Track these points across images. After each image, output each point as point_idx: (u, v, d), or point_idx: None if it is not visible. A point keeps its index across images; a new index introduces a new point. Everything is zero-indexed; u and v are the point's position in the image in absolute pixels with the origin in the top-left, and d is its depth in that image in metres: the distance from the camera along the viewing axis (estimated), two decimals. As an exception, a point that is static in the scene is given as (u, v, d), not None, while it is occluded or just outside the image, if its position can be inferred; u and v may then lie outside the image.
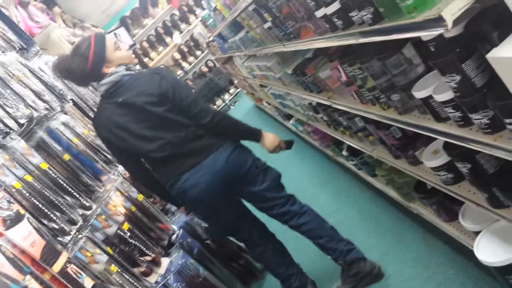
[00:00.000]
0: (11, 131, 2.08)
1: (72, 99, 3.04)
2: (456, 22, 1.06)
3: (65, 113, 2.80)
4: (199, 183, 2.10)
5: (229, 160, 2.13)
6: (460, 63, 1.18)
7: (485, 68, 1.18)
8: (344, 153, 3.12)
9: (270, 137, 2.29)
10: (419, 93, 1.47)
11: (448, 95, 1.31)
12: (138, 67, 2.30)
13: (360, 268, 2.26)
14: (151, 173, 2.33)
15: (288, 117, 4.76)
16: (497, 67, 1.06)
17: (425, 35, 1.21)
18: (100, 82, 2.10)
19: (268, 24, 2.61)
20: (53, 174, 2.16)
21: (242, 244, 3.09)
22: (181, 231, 2.87)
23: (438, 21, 1.06)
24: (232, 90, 9.51)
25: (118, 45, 2.17)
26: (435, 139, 1.80)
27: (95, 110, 3.37)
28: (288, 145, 2.37)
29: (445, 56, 1.20)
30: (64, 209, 2.05)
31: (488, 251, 1.61)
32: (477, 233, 1.72)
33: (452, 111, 1.34)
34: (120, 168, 2.90)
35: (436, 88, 1.40)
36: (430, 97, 1.42)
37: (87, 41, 2.11)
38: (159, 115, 2.07)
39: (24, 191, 1.88)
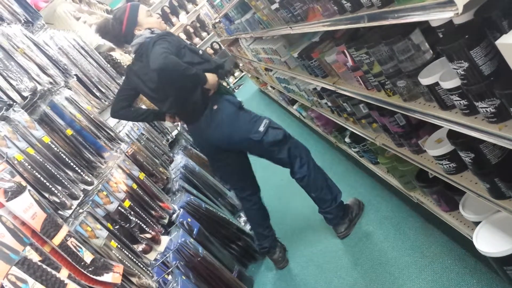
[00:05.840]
0: (14, 104, 2.08)
1: (76, 75, 3.03)
2: (466, 8, 1.04)
3: (69, 88, 2.79)
4: (195, 138, 2.66)
5: (218, 131, 2.48)
6: (468, 49, 1.16)
7: (494, 56, 1.16)
8: (347, 140, 3.12)
9: (211, 78, 2.44)
10: (425, 80, 1.45)
11: (454, 82, 1.30)
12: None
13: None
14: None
15: (292, 102, 4.74)
16: (506, 53, 1.04)
17: (435, 19, 1.19)
18: (131, 44, 2.48)
19: (276, 5, 2.58)
20: (55, 148, 2.15)
21: (243, 225, 3.11)
22: (181, 210, 2.89)
23: (449, 5, 1.04)
24: (237, 74, 9.48)
25: (150, 13, 2.54)
26: (438, 128, 1.79)
27: (99, 87, 3.37)
28: None
29: (453, 42, 1.18)
30: (65, 183, 2.05)
31: (488, 242, 1.62)
32: (476, 223, 1.73)
33: (458, 99, 1.33)
34: (123, 145, 2.90)
35: (443, 75, 1.39)
36: (437, 84, 1.41)
37: (123, 8, 2.49)
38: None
39: (26, 164, 1.88)
